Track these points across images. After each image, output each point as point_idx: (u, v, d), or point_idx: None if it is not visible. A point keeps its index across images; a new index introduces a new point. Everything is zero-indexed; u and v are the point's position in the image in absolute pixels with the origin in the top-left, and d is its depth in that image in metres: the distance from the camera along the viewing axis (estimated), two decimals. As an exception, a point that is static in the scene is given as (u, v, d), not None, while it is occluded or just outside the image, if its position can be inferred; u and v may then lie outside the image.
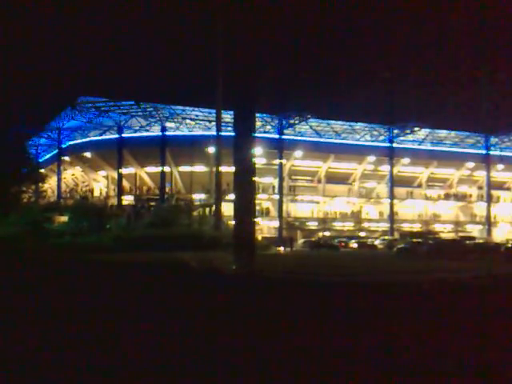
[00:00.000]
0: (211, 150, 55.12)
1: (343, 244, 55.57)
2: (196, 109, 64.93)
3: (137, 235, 36.25)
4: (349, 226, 72.31)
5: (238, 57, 18.89)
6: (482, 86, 72.20)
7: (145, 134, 67.20)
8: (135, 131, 67.71)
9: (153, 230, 37.80)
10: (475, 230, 73.93)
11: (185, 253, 28.04)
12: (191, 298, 11.48)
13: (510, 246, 46.38)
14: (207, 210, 49.44)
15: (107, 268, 20.03)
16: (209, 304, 10.62)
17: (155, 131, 66.94)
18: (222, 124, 49.82)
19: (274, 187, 68.66)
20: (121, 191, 67.38)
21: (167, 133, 66.58)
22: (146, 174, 69.18)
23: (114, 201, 65.79)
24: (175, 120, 66.54)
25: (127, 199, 65.95)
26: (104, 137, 68.95)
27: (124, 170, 68.06)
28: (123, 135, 67.67)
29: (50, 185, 69.21)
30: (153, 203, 53.07)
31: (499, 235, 72.58)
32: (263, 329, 8.23)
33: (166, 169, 66.11)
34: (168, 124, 66.81)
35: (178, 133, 66.74)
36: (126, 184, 69.65)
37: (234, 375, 5.85)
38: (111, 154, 66.84)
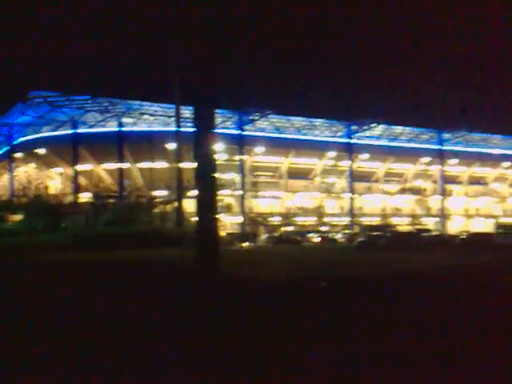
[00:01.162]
0: (171, 145, 54.55)
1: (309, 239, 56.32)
2: (154, 104, 64.05)
3: (95, 233, 35.52)
4: (310, 220, 72.96)
5: (197, 51, 18.63)
6: (436, 84, 74.07)
7: (101, 129, 65.78)
8: (91, 127, 66.22)
9: (112, 227, 37.08)
10: (430, 223, 75.83)
11: (146, 250, 27.67)
12: (151, 297, 11.25)
13: (463, 237, 47.81)
14: (168, 206, 48.93)
15: (62, 268, 19.44)
16: (169, 302, 10.44)
17: (112, 127, 65.64)
18: (182, 120, 49.36)
19: (235, 183, 68.55)
20: (77, 188, 65.85)
21: (124, 128, 65.40)
22: (104, 170, 67.82)
23: (70, 198, 64.26)
24: (132, 115, 65.46)
25: (84, 197, 64.51)
26: (58, 132, 67.17)
27: (80, 167, 66.53)
28: (78, 131, 66.09)
29: (1, 182, 67.02)
30: (111, 200, 52.08)
31: (453, 227, 74.74)
32: (224, 327, 8.14)
33: (125, 165, 65.00)
34: (125, 119, 65.65)
35: (135, 128, 65.69)
36: (82, 181, 68.13)
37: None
38: (66, 150, 65.19)
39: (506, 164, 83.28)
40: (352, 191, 73.77)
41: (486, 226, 74.59)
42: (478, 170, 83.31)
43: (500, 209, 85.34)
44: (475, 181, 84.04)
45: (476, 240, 40.08)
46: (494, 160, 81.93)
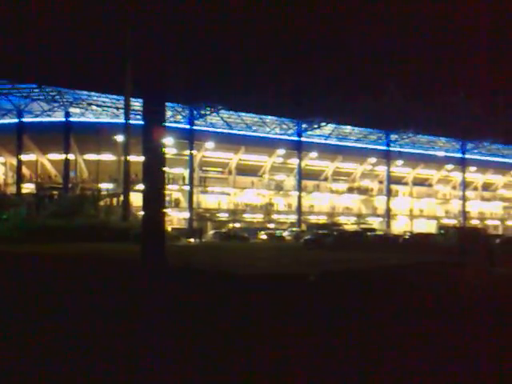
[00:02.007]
0: (119, 138, 53.61)
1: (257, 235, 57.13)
2: (103, 95, 62.77)
3: (38, 226, 34.57)
4: (259, 217, 73.32)
5: (148, 41, 18.32)
6: (385, 86, 75.90)
7: (47, 119, 63.98)
8: (37, 116, 64.30)
9: (56, 220, 36.14)
10: (376, 223, 77.65)
11: (90, 244, 27.13)
12: (93, 292, 11.02)
13: (407, 237, 49.28)
14: (115, 200, 48.08)
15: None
16: (115, 297, 10.26)
17: (58, 117, 63.92)
18: (131, 112, 48.60)
19: (184, 178, 68.05)
20: (20, 179, 63.78)
21: (72, 119, 63.83)
22: (49, 161, 65.97)
23: (13, 189, 62.18)
24: (80, 106, 63.95)
25: (28, 188, 62.57)
26: (2, 121, 64.88)
27: (24, 157, 64.49)
28: (23, 120, 64.08)
29: None
30: (56, 192, 50.70)
31: (397, 227, 76.82)
32: (171, 321, 8.10)
33: (71, 156, 63.40)
34: (72, 109, 64.07)
35: (83, 119, 64.20)
36: (26, 171, 66.02)
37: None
38: (10, 139, 63.07)
39: (450, 166, 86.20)
40: (300, 189, 74.60)
41: (429, 227, 77.11)
42: (422, 172, 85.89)
43: (443, 210, 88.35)
44: (420, 182, 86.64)
45: (418, 240, 41.38)
46: (438, 162, 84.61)
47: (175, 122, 64.84)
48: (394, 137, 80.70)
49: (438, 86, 79.57)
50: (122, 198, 45.94)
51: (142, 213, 19.57)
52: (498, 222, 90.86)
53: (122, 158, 48.56)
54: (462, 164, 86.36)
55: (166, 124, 25.39)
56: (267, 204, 74.04)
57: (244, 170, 71.99)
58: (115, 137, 55.45)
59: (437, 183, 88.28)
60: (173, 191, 65.97)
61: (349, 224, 72.46)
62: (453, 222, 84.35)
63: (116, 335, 7.23)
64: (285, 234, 60.45)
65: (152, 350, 6.61)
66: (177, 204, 67.48)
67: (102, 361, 6.12)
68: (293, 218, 74.29)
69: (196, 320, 8.30)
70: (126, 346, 6.67)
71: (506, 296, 11.22)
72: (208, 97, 63.07)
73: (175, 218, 66.13)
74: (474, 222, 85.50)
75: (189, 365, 6.15)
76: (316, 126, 73.93)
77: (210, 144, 67.48)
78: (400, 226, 78.21)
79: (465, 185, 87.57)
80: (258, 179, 74.26)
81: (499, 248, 32.10)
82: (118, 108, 61.08)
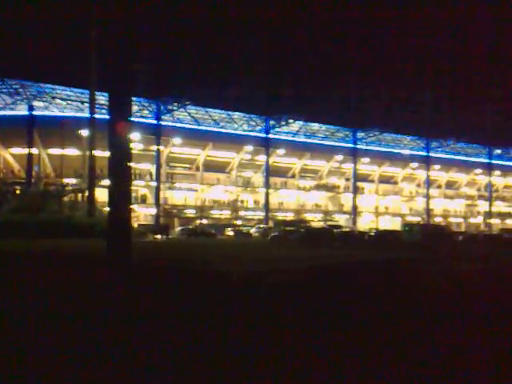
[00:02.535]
0: (84, 132, 52.73)
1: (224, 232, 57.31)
2: (67, 88, 61.64)
3: (0, 221, 33.70)
4: (226, 214, 73.19)
5: (113, 34, 18.00)
6: (352, 85, 76.74)
7: (10, 112, 62.41)
8: (-1, 109, 62.67)
9: (19, 215, 35.33)
10: (342, 219, 78.47)
11: (54, 240, 26.60)
12: (57, 288, 10.80)
13: (372, 234, 49.90)
14: (80, 195, 47.28)
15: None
16: (80, 294, 10.07)
17: (22, 110, 62.44)
18: (97, 106, 47.83)
19: (151, 174, 67.37)
20: (-19, 174, 62.01)
21: (35, 112, 62.41)
22: (11, 155, 64.37)
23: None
24: (44, 99, 62.59)
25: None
26: (-37, 114, 62.98)
27: (-15, 151, 62.76)
28: (-15, 113, 62.35)
29: None
30: (19, 187, 49.54)
31: (363, 224, 77.80)
32: (135, 317, 8.00)
33: (34, 151, 62.02)
34: (36, 103, 62.66)
35: (47, 113, 62.84)
36: (-13, 166, 64.23)
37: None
38: (-29, 133, 61.19)
39: (415, 164, 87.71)
40: (268, 186, 74.78)
41: (394, 224, 78.37)
42: (388, 170, 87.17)
43: (407, 208, 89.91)
44: (385, 180, 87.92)
45: (383, 237, 41.95)
46: (403, 160, 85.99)
47: (142, 116, 64.12)
48: (360, 135, 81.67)
49: (405, 84, 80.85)
50: (86, 193, 45.19)
51: (107, 209, 19.26)
52: (461, 220, 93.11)
53: (87, 153, 47.74)
54: (427, 162, 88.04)
55: (133, 119, 25.06)
56: (235, 200, 73.99)
57: (211, 167, 71.71)
58: (80, 131, 54.53)
59: (402, 181, 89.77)
60: (139, 187, 65.27)
61: (315, 221, 72.99)
62: (417, 219, 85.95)
63: (79, 332, 7.09)
64: (252, 230, 60.50)
65: (115, 346, 6.51)
66: (143, 200, 66.78)
67: (66, 359, 5.99)
68: (260, 214, 74.45)
69: (160, 315, 8.22)
70: (89, 343, 6.54)
71: (468, 292, 11.46)
72: (175, 92, 62.58)
73: (142, 214, 65.46)
74: (438, 220, 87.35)
75: (155, 360, 6.08)
76: (284, 123, 74.22)
77: (177, 140, 66.92)
78: (366, 223, 79.21)
79: (429, 183, 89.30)
80: (226, 176, 74.11)
81: (462, 245, 32.85)
82: (82, 102, 60.09)
